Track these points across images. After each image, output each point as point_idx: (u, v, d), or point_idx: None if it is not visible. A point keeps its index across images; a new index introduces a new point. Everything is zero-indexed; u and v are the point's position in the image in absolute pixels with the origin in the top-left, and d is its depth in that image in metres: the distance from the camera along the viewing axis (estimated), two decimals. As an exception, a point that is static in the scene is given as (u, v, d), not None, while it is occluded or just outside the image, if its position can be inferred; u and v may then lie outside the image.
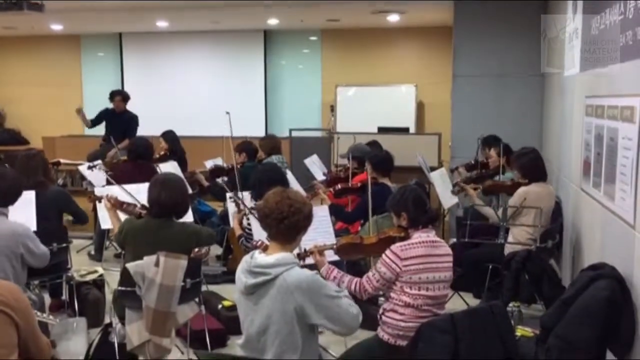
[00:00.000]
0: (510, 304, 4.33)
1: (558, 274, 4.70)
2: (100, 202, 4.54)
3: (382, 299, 3.59)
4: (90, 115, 8.33)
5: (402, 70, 10.70)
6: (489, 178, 5.75)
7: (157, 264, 3.45)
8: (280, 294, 2.56)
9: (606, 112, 3.53)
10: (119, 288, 3.64)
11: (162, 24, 10.24)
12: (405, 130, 9.67)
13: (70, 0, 7.86)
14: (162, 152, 6.89)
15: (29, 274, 3.93)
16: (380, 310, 3.32)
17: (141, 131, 8.11)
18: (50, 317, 3.26)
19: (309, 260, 3.34)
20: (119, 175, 5.40)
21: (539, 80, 6.85)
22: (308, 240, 3.23)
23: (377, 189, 4.88)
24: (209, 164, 6.85)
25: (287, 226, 2.63)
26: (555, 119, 6.12)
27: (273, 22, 10.09)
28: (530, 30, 6.28)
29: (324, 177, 6.52)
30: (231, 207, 4.55)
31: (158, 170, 5.90)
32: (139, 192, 4.49)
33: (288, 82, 11.35)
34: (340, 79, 10.72)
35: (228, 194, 4.61)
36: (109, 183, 5.30)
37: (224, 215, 5.98)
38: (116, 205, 4.32)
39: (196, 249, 3.79)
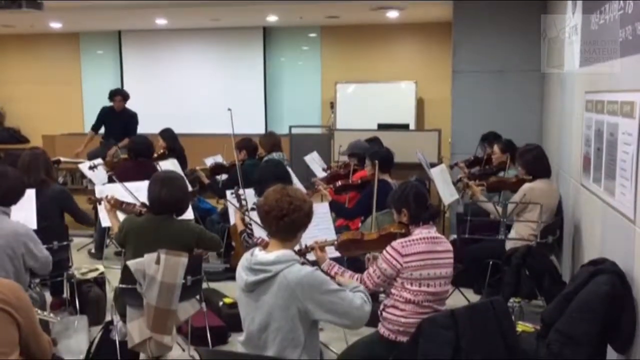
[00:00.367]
0: (511, 300, 4.33)
1: (558, 269, 4.71)
2: (100, 204, 4.54)
3: (382, 295, 3.59)
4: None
5: (401, 66, 10.69)
6: (493, 175, 5.75)
7: (157, 262, 3.45)
8: (281, 291, 2.56)
9: (606, 107, 3.53)
10: (120, 286, 3.64)
11: (161, 21, 10.23)
12: (405, 127, 9.67)
13: (69, -2, 7.87)
14: (160, 151, 6.87)
15: (30, 272, 3.93)
16: (381, 307, 3.32)
17: (141, 129, 8.10)
18: (51, 315, 3.27)
19: (311, 257, 3.35)
20: (119, 174, 5.40)
21: (538, 76, 6.84)
22: (308, 237, 3.24)
23: (378, 186, 4.87)
24: (209, 162, 6.84)
25: (287, 223, 2.63)
26: (555, 114, 6.11)
27: (272, 19, 10.08)
28: (530, 25, 6.27)
29: (324, 174, 6.52)
30: (232, 204, 4.54)
31: (158, 168, 5.90)
32: (139, 190, 4.49)
33: (288, 79, 11.34)
34: (340, 75, 10.71)
35: (229, 191, 4.61)
36: (110, 181, 5.30)
37: (224, 213, 5.98)
38: (116, 205, 4.33)
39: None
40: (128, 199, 4.48)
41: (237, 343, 2.83)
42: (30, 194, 4.28)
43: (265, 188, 2.81)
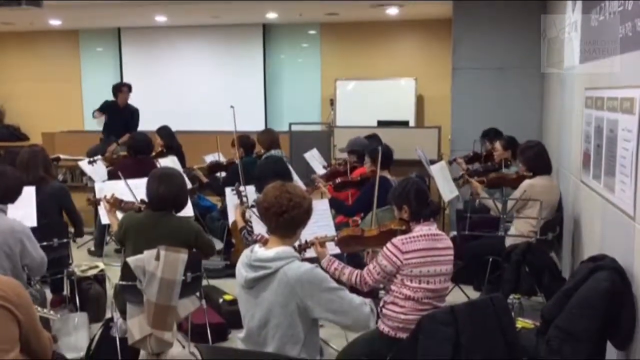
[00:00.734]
0: (511, 296, 4.34)
1: (558, 266, 4.71)
2: (99, 204, 4.54)
3: (382, 291, 3.59)
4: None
5: (401, 63, 10.68)
6: (494, 171, 5.75)
7: (157, 258, 3.45)
8: (280, 288, 2.56)
9: (606, 103, 3.53)
10: (120, 282, 3.65)
11: (160, 18, 10.23)
12: (405, 124, 9.65)
13: (68, -5, 7.86)
14: (159, 149, 6.82)
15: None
16: (381, 303, 3.32)
17: (140, 126, 8.11)
18: (52, 312, 3.28)
19: (311, 253, 3.34)
20: (118, 171, 5.40)
21: (538, 73, 6.82)
22: (308, 234, 3.24)
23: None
24: (209, 159, 6.83)
25: (286, 220, 2.62)
26: (555, 111, 6.11)
27: (272, 16, 10.07)
28: (529, 22, 6.27)
29: (324, 171, 6.52)
30: (231, 201, 4.55)
31: (158, 165, 5.90)
32: (138, 187, 4.49)
33: (287, 76, 11.33)
34: (340, 72, 10.70)
35: (229, 188, 4.61)
36: (109, 177, 5.30)
37: (224, 210, 5.98)
38: (115, 204, 4.33)
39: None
40: (127, 196, 4.48)
41: (237, 340, 2.83)
42: (30, 191, 4.28)
43: (265, 185, 2.81)
